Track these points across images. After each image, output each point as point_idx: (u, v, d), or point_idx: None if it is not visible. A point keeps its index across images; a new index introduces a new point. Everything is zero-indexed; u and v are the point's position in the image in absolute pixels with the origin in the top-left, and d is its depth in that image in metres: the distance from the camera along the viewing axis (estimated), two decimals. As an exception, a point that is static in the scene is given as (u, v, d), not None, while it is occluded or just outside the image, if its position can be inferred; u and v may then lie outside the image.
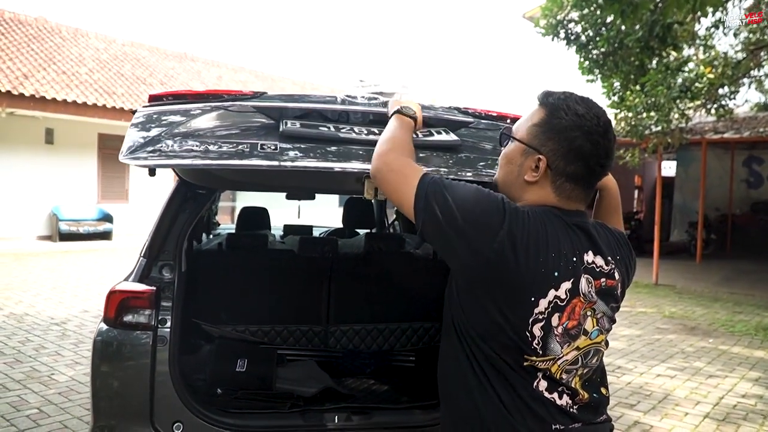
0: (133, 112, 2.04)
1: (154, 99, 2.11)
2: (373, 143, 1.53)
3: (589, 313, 1.34)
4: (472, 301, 1.33)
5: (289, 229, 5.12)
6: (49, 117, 14.51)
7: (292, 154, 1.76)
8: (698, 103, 9.51)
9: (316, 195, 6.05)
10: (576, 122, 1.32)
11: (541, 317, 1.27)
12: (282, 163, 1.71)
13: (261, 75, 23.69)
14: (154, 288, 2.31)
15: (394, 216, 5.02)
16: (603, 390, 1.45)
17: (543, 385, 1.33)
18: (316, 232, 5.35)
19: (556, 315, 1.29)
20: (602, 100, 11.60)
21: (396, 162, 1.40)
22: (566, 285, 1.29)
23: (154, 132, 1.76)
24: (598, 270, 1.35)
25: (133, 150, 1.68)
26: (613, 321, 1.43)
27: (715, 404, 4.88)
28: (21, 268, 10.74)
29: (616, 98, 10.70)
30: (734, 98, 10.05)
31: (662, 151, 10.90)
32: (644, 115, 9.29)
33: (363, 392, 2.94)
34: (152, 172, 1.80)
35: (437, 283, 3.66)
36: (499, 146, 1.49)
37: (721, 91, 9.31)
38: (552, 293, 1.27)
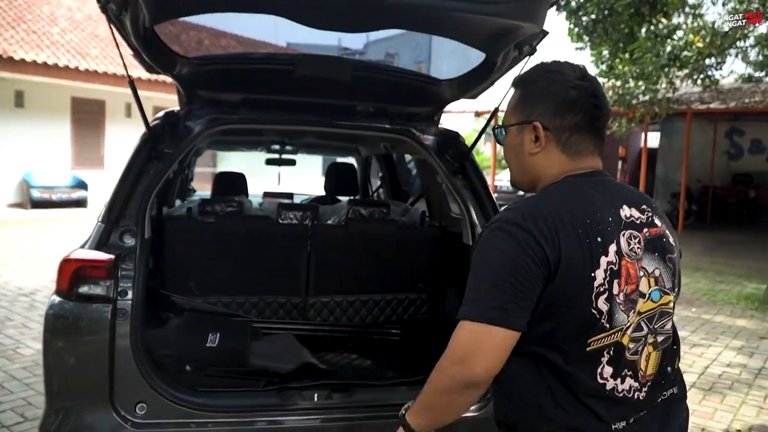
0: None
1: None
2: None
3: (641, 273, 1.28)
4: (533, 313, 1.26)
5: (268, 197, 4.91)
6: (19, 79, 13.93)
7: None
8: (686, 72, 9.41)
9: (298, 157, 5.83)
10: (552, 78, 1.34)
11: (603, 289, 1.22)
12: None
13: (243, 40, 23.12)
14: (113, 256, 2.10)
15: (379, 182, 4.81)
16: (676, 362, 1.40)
17: (608, 371, 1.26)
18: (297, 200, 5.15)
19: (615, 282, 1.23)
20: (591, 69, 11.42)
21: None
22: (613, 247, 1.24)
23: None
24: (638, 222, 1.31)
25: None
26: (676, 277, 1.35)
27: (700, 374, 4.83)
28: (-10, 235, 10.41)
29: (604, 67, 10.56)
30: (720, 69, 9.96)
31: (649, 122, 10.80)
32: (632, 83, 9.17)
33: (344, 368, 2.78)
34: None
35: (424, 253, 3.51)
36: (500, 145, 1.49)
37: (708, 61, 9.23)
38: (604, 260, 1.22)
